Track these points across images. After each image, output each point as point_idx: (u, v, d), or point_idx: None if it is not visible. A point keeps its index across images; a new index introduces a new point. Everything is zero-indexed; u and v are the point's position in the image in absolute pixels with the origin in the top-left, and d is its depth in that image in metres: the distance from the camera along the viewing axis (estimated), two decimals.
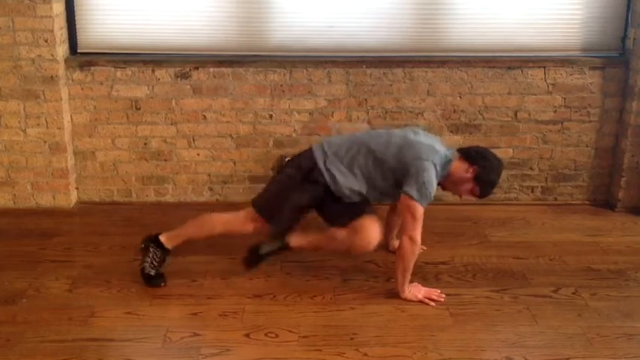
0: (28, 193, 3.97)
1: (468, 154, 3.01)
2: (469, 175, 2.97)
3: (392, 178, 2.95)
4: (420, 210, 2.83)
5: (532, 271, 3.28)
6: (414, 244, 2.87)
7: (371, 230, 2.96)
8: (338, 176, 2.95)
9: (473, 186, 3.00)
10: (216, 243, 3.42)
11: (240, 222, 3.10)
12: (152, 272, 3.09)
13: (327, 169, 2.96)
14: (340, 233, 3.01)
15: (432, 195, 2.87)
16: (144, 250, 3.13)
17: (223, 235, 3.14)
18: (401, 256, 2.90)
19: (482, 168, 2.96)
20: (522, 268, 3.31)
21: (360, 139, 3.05)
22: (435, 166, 2.87)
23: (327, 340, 2.69)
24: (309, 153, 3.06)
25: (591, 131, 4.05)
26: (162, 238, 3.12)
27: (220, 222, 3.15)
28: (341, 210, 3.01)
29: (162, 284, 3.09)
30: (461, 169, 2.98)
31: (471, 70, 3.91)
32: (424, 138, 3.01)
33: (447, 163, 2.96)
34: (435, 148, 2.93)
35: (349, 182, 2.96)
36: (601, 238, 3.69)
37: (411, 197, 2.82)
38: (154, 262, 3.10)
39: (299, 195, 3.01)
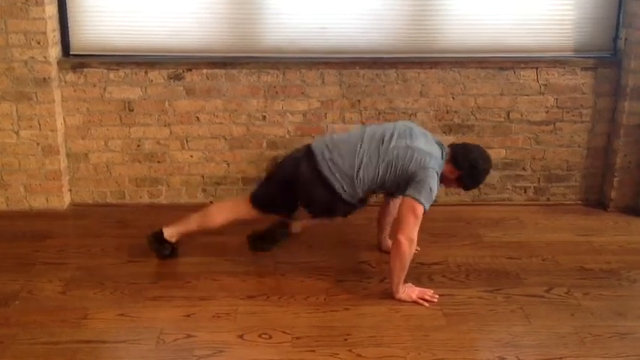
0: (21, 196, 3.96)
1: (456, 157, 3.05)
2: (454, 176, 3.07)
3: (393, 182, 3.00)
4: (422, 211, 2.87)
5: (525, 271, 3.29)
6: (412, 243, 2.89)
7: None
8: (339, 183, 2.99)
9: (457, 185, 3.14)
10: (209, 244, 3.43)
11: (245, 209, 3.20)
12: (167, 252, 3.30)
13: (332, 175, 2.99)
14: None
15: (434, 198, 2.94)
16: (153, 249, 3.29)
17: (228, 224, 3.20)
18: (398, 255, 2.91)
19: (467, 175, 3.06)
20: (515, 268, 3.32)
21: (362, 143, 3.05)
22: (437, 172, 2.96)
23: (321, 340, 2.69)
24: (310, 158, 3.05)
25: (583, 131, 4.07)
26: (166, 234, 3.25)
27: (224, 209, 3.26)
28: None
29: (175, 254, 3.32)
30: (448, 171, 3.06)
31: (463, 70, 3.92)
32: (423, 143, 3.03)
33: (442, 166, 3.02)
34: (434, 155, 2.99)
35: (351, 187, 3.00)
36: (594, 237, 3.70)
37: (417, 200, 2.86)
38: (167, 249, 3.30)
39: (298, 196, 3.11)
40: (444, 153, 3.04)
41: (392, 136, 3.04)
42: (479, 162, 3.05)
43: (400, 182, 2.97)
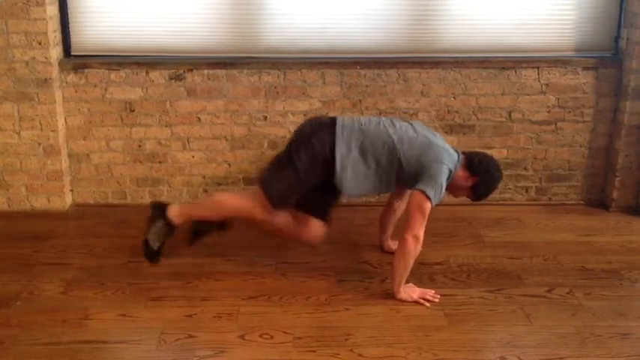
0: (23, 196, 3.96)
1: (471, 163, 3.03)
2: (468, 184, 3.04)
3: (402, 175, 2.99)
4: (429, 207, 2.86)
5: (526, 271, 3.29)
6: (418, 242, 2.89)
7: (315, 230, 3.17)
8: (351, 178, 2.98)
9: (469, 193, 3.08)
10: (210, 244, 3.42)
11: (249, 208, 3.14)
12: (155, 246, 3.22)
13: (345, 167, 2.97)
14: (290, 220, 3.17)
15: (442, 196, 2.94)
16: (150, 219, 3.22)
17: (232, 216, 3.23)
18: (403, 254, 2.90)
19: (482, 181, 3.03)
20: (517, 268, 3.32)
21: (386, 132, 3.02)
22: (450, 171, 2.94)
23: (322, 341, 2.69)
24: (329, 142, 3.00)
25: (585, 131, 4.07)
26: (170, 213, 3.20)
27: (230, 205, 3.23)
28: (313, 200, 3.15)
29: (158, 261, 3.24)
30: (462, 177, 3.02)
31: (464, 70, 3.92)
32: (440, 140, 3.06)
33: (455, 169, 3.00)
34: (451, 154, 3.00)
35: (359, 184, 3.00)
36: (595, 237, 3.70)
37: (427, 196, 2.84)
38: (160, 237, 3.21)
39: (310, 185, 3.08)
40: (459, 157, 3.04)
41: (413, 127, 3.07)
42: (493, 169, 3.05)
43: (411, 173, 2.95)
